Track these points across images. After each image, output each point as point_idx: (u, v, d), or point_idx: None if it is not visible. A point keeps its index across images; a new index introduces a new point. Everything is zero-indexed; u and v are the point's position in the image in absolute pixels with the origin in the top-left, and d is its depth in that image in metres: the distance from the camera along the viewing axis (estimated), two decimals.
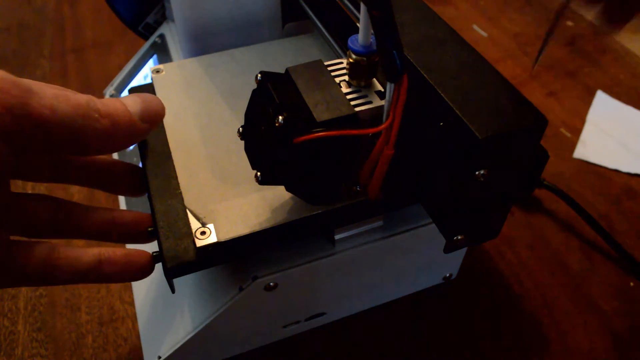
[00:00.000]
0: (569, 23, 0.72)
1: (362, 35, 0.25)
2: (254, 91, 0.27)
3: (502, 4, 0.76)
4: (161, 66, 0.39)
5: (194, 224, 0.29)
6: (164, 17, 0.53)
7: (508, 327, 0.41)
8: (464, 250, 0.41)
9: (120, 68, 0.56)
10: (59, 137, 0.22)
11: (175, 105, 0.36)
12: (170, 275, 0.28)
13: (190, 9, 0.40)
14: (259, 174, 0.28)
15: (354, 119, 0.25)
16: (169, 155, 0.33)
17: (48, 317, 0.41)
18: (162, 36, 0.51)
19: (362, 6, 0.23)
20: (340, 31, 0.38)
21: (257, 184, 0.28)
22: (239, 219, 0.29)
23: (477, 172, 0.23)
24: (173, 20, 0.47)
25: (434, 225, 0.31)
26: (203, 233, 0.28)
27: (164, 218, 0.30)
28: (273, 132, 0.25)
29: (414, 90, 0.24)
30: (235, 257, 0.31)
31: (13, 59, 0.69)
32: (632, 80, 0.63)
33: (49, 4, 0.78)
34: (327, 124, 0.25)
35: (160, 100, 0.28)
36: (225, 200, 0.30)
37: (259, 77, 0.27)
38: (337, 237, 0.34)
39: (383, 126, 0.24)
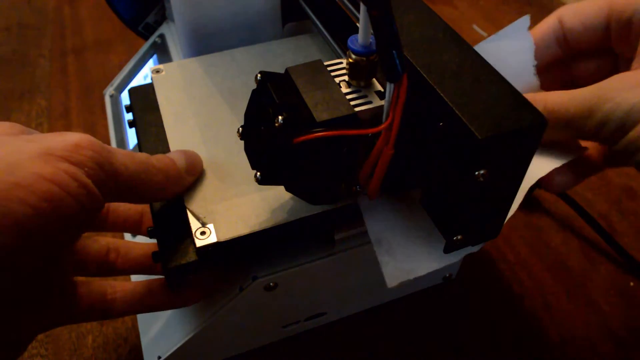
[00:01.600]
0: None
1: (362, 35, 0.25)
2: (253, 91, 0.27)
3: (502, 4, 0.76)
4: (161, 66, 0.39)
5: (194, 224, 0.28)
6: (164, 17, 0.53)
7: (508, 327, 0.41)
8: None
9: (120, 68, 0.56)
10: (128, 188, 0.26)
11: (175, 105, 0.36)
12: (171, 275, 0.28)
13: (190, 9, 0.40)
14: (258, 174, 0.28)
15: (353, 119, 0.25)
16: None
17: None
18: (162, 36, 0.51)
19: (362, 6, 0.23)
20: (340, 31, 0.38)
21: (257, 183, 0.28)
22: (239, 219, 0.29)
23: (476, 172, 0.23)
24: (173, 20, 0.48)
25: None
26: (203, 233, 0.28)
27: (164, 218, 0.30)
28: (273, 132, 0.25)
29: (414, 91, 0.24)
30: (235, 257, 0.31)
31: (13, 59, 0.69)
32: None
33: (49, 4, 0.78)
34: (327, 124, 0.25)
35: (198, 155, 0.32)
36: (225, 200, 0.30)
37: (258, 77, 0.27)
38: (337, 237, 0.34)
39: (383, 126, 0.24)
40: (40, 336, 0.40)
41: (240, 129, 0.28)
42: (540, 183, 0.30)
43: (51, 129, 0.59)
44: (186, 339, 0.33)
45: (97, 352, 0.39)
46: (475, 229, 0.28)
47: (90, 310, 0.30)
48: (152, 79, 0.38)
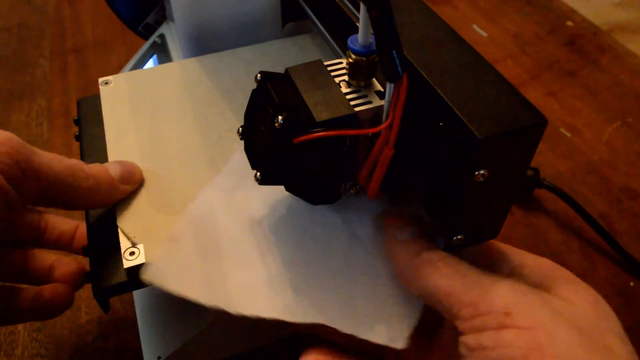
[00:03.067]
0: (569, 23, 0.72)
1: (362, 35, 0.25)
2: (253, 91, 0.27)
3: (502, 4, 0.76)
4: (110, 77, 0.38)
5: (124, 243, 0.28)
6: (164, 17, 0.53)
7: None
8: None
9: (120, 68, 0.56)
10: (54, 190, 0.26)
11: (119, 118, 0.35)
12: (100, 296, 0.28)
13: (190, 9, 0.40)
14: (258, 174, 0.27)
15: (353, 119, 0.25)
16: None
17: None
18: (162, 36, 0.51)
19: (362, 6, 0.23)
20: (340, 31, 0.38)
21: (192, 202, 0.28)
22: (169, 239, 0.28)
23: (476, 172, 0.23)
24: (173, 20, 0.48)
25: None
26: (132, 254, 0.27)
27: (97, 236, 0.29)
28: (273, 132, 0.25)
29: (414, 91, 0.24)
30: None
31: (13, 59, 0.69)
32: (632, 80, 0.63)
33: (49, 4, 0.78)
34: (327, 124, 0.25)
35: (137, 165, 0.31)
36: (160, 218, 0.29)
37: (258, 77, 0.27)
38: None
39: (382, 126, 0.24)
40: (40, 336, 0.40)
41: (240, 128, 0.28)
42: None
43: (51, 129, 0.59)
44: (186, 339, 0.33)
45: (97, 352, 0.39)
46: (476, 228, 0.28)
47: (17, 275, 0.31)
48: (100, 90, 0.37)
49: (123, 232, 0.28)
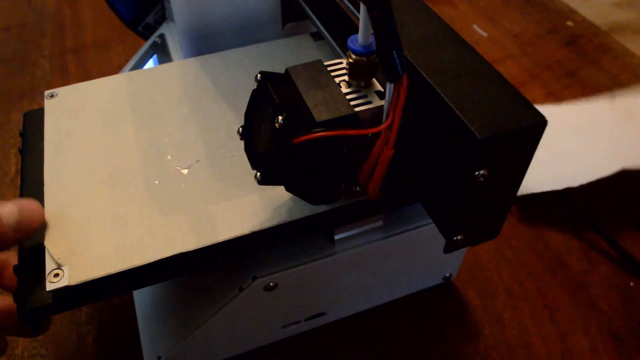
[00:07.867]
0: (569, 23, 0.72)
1: (362, 35, 0.25)
2: (254, 91, 0.27)
3: (502, 4, 0.76)
4: (56, 90, 0.37)
5: (49, 264, 0.27)
6: (164, 17, 0.53)
7: (508, 327, 0.41)
8: (463, 250, 0.41)
9: (120, 68, 0.56)
10: None
11: (61, 133, 0.34)
12: (26, 318, 0.27)
13: (190, 9, 0.40)
14: (258, 174, 0.27)
15: (353, 119, 0.25)
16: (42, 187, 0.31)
17: None
18: (162, 36, 0.51)
19: (362, 6, 0.23)
20: (340, 31, 0.38)
21: (125, 221, 0.28)
22: (99, 259, 0.27)
23: (477, 172, 0.23)
24: (173, 20, 0.48)
25: (433, 225, 0.31)
26: (56, 275, 0.26)
27: (27, 256, 0.29)
28: (273, 132, 0.25)
29: (414, 91, 0.24)
30: (100, 298, 0.29)
31: (13, 59, 0.69)
32: (632, 80, 0.63)
33: (49, 4, 0.78)
34: (327, 124, 0.25)
35: (39, 208, 0.29)
36: (89, 238, 0.28)
37: (258, 77, 0.27)
38: (337, 237, 0.34)
39: (383, 126, 0.24)
40: (40, 336, 0.40)
41: (240, 128, 0.28)
42: None
43: None
44: (186, 339, 0.33)
45: (97, 352, 0.39)
46: (476, 228, 0.28)
47: None
48: (45, 104, 0.36)
49: (49, 253, 0.27)
